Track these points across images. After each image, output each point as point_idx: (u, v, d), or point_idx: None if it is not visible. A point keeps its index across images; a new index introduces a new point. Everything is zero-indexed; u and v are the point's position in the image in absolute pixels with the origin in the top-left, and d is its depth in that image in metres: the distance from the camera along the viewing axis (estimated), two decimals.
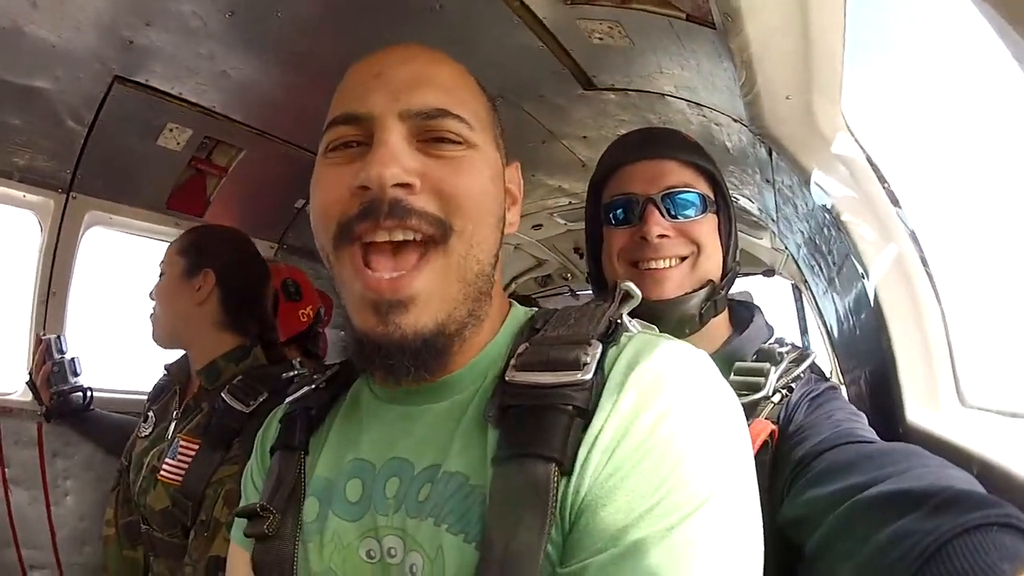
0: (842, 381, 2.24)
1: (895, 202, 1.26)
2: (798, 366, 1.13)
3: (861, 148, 1.28)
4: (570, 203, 2.92)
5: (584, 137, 2.19)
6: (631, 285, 0.77)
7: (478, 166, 0.72)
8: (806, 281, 2.31)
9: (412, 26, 1.56)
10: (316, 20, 1.58)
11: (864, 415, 1.06)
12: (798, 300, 2.85)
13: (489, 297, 0.75)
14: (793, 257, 2.26)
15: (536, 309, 0.83)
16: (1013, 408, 1.13)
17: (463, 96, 0.75)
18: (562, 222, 3.21)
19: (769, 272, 2.87)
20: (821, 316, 2.29)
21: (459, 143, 0.71)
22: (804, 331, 2.81)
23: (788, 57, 1.12)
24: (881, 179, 1.26)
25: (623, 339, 0.70)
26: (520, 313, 0.82)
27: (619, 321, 0.73)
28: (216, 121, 2.01)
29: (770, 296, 3.02)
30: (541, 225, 3.26)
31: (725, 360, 1.14)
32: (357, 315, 0.70)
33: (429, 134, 0.70)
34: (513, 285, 4.13)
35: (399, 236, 0.67)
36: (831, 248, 1.59)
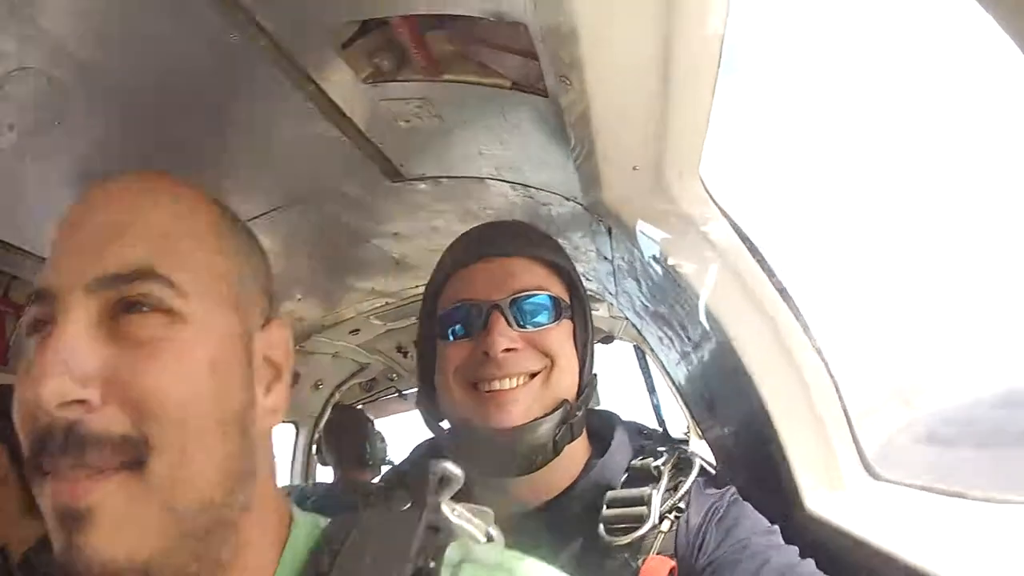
0: (701, 436, 2.19)
1: (765, 269, 1.15)
2: (682, 476, 1.00)
3: (725, 214, 1.16)
4: (387, 303, 2.71)
5: (395, 234, 1.96)
6: (448, 466, 0.64)
7: (186, 350, 0.53)
8: (652, 348, 2.25)
9: (197, 128, 1.26)
10: (101, 130, 1.23)
11: (777, 528, 0.98)
12: (641, 360, 2.79)
13: (235, 530, 0.56)
14: (635, 325, 2.19)
15: (323, 528, 0.62)
16: (929, 480, 1.06)
17: (180, 245, 0.56)
18: (380, 323, 2.97)
19: (608, 339, 2.82)
20: (673, 382, 2.22)
21: (163, 313, 0.53)
22: (652, 390, 2.76)
23: (638, 123, 0.95)
24: (753, 250, 1.16)
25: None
26: (301, 538, 0.61)
27: (431, 564, 0.56)
28: (8, 254, 1.56)
29: (611, 361, 3.00)
30: (359, 330, 2.99)
31: (592, 490, 1.01)
32: (54, 541, 0.53)
33: (124, 303, 0.53)
34: (336, 394, 3.86)
35: (81, 475, 0.50)
36: (685, 324, 1.48)
